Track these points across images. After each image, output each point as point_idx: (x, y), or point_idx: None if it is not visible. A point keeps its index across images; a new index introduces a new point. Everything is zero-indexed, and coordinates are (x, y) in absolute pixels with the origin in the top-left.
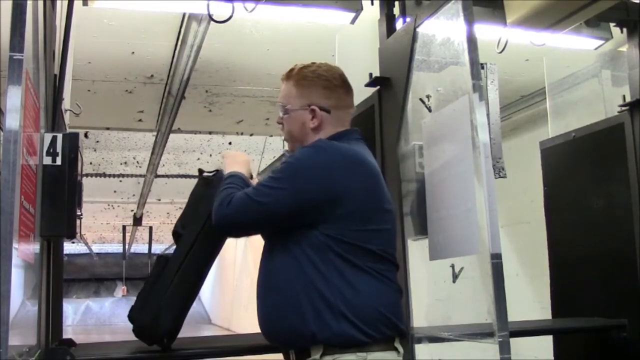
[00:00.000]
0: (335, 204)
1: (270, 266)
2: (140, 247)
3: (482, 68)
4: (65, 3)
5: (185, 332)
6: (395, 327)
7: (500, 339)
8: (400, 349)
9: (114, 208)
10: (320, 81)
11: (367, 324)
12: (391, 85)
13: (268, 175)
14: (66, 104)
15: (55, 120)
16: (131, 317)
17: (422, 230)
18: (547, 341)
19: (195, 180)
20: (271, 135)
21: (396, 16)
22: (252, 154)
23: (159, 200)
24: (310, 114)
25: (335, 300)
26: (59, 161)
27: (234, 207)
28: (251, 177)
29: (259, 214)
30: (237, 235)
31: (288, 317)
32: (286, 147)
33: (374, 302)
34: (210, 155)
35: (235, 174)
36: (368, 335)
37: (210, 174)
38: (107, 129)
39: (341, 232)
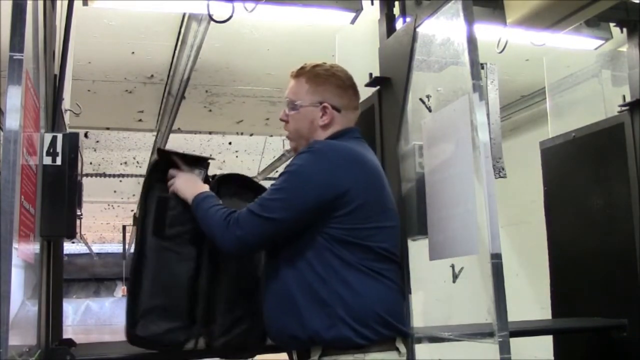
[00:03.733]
0: (338, 204)
1: (269, 269)
2: None
3: (482, 68)
4: (65, 3)
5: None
6: (394, 328)
7: (500, 339)
8: (402, 349)
9: (114, 208)
10: (334, 79)
11: (365, 326)
12: (391, 85)
13: (270, 188)
14: (66, 104)
15: (55, 120)
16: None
17: (422, 230)
18: (547, 341)
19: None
20: (271, 135)
21: (396, 16)
22: (252, 154)
23: None
24: (321, 111)
25: (332, 302)
26: (59, 161)
27: (242, 227)
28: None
29: (269, 229)
30: (251, 254)
31: (286, 320)
32: (287, 147)
33: (372, 303)
34: (210, 155)
35: (206, 194)
36: (365, 338)
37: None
38: (107, 129)
39: (342, 230)
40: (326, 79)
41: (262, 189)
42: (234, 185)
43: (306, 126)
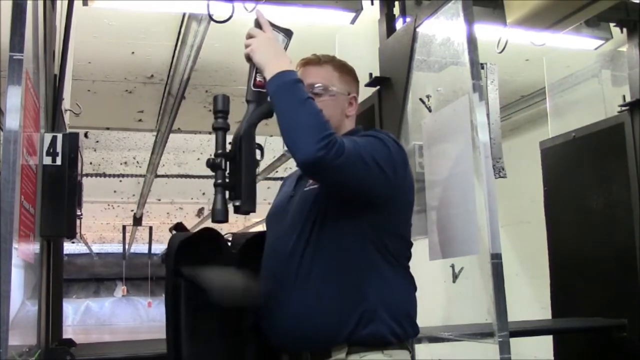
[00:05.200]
0: (397, 193)
1: (297, 255)
2: (140, 247)
3: (482, 68)
4: (65, 3)
5: None
6: (415, 327)
7: (500, 339)
8: (410, 349)
9: (114, 208)
10: (354, 73)
11: (398, 323)
12: (391, 85)
13: (365, 141)
14: (66, 104)
15: (55, 120)
16: None
17: (422, 230)
18: (547, 341)
19: (194, 182)
20: (271, 135)
21: (396, 16)
22: None
23: (159, 200)
24: (348, 101)
25: (372, 298)
26: (59, 161)
27: (346, 157)
28: None
29: (365, 178)
30: (326, 181)
31: (320, 316)
32: (287, 147)
33: (405, 300)
34: (210, 155)
35: (297, 76)
36: (396, 335)
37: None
38: (107, 129)
39: (392, 220)
40: (350, 71)
41: None
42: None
43: (338, 113)
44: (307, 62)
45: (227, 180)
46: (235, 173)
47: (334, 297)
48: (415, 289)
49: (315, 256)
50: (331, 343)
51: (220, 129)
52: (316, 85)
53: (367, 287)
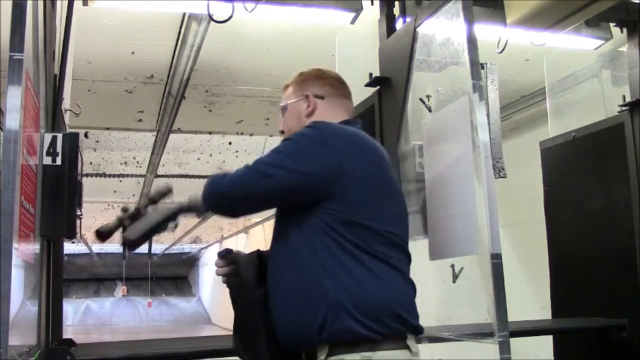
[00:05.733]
0: (336, 179)
1: (275, 261)
2: (140, 247)
3: (482, 68)
4: (65, 3)
5: (186, 332)
6: (404, 322)
7: (500, 339)
8: (414, 348)
9: (114, 208)
10: (314, 72)
11: (372, 319)
12: (391, 85)
13: (269, 152)
14: (66, 104)
15: (55, 120)
16: None
17: (422, 230)
18: (547, 341)
19: (193, 182)
20: (271, 135)
21: (396, 16)
22: (252, 154)
23: None
24: (305, 102)
25: (336, 292)
26: (59, 161)
27: (234, 180)
28: None
29: (262, 187)
30: (233, 211)
31: (293, 315)
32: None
33: (378, 293)
34: (210, 155)
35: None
36: (374, 331)
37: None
38: (107, 129)
39: (343, 208)
40: (307, 75)
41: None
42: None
43: (295, 120)
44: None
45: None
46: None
47: (300, 295)
48: (406, 282)
49: (283, 257)
50: (307, 342)
51: None
52: (280, 108)
53: (330, 282)
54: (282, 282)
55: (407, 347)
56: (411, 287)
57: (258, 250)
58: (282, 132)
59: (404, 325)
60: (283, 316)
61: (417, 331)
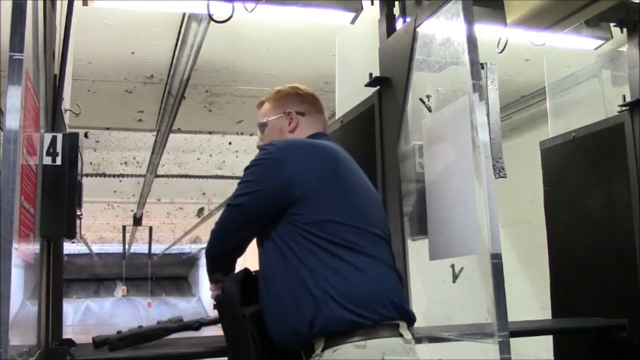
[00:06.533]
0: (292, 185)
1: (261, 275)
2: (140, 247)
3: (482, 68)
4: (65, 3)
5: (186, 332)
6: (392, 308)
7: (500, 339)
8: (407, 335)
9: (114, 208)
10: (291, 89)
11: (359, 305)
12: (391, 85)
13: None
14: (66, 104)
15: (55, 120)
16: None
17: (422, 230)
18: (547, 341)
19: (193, 182)
20: None
21: (396, 16)
22: (252, 154)
23: (159, 200)
24: (287, 119)
25: (321, 287)
26: (59, 161)
27: (217, 222)
28: None
29: (240, 216)
30: (230, 250)
31: (284, 318)
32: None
33: (361, 282)
34: (210, 155)
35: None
36: (363, 317)
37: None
38: (107, 129)
39: (307, 210)
40: (286, 92)
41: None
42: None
43: (277, 135)
44: (257, 108)
45: None
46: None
47: (287, 299)
48: (385, 266)
49: (266, 269)
50: (303, 340)
51: None
52: (258, 125)
53: (311, 279)
54: (270, 292)
55: (401, 335)
56: (393, 273)
57: (245, 269)
58: (261, 147)
59: (392, 312)
60: (275, 323)
61: (408, 318)
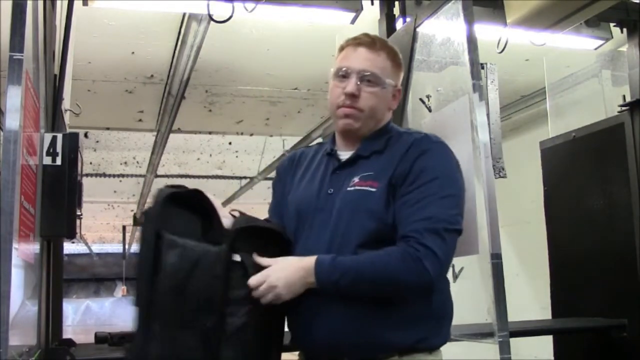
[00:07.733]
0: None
1: None
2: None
3: (482, 68)
4: (65, 3)
5: None
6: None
7: (500, 339)
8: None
9: (114, 208)
10: (402, 63)
11: (444, 326)
12: None
13: (441, 195)
14: (66, 104)
15: (55, 120)
16: None
17: None
18: (547, 341)
19: (194, 182)
20: (271, 135)
21: (396, 16)
22: (252, 154)
23: None
24: (392, 95)
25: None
26: (59, 161)
27: (447, 251)
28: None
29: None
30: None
31: (373, 326)
32: (286, 147)
33: (450, 303)
34: (210, 155)
35: (327, 261)
36: (444, 338)
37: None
38: (107, 129)
39: None
40: (401, 60)
41: (289, 242)
42: (255, 240)
43: (383, 107)
44: (360, 43)
45: None
46: None
47: (376, 305)
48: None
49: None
50: (379, 349)
51: None
52: (367, 73)
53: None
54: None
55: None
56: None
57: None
58: (356, 96)
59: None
60: (353, 329)
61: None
